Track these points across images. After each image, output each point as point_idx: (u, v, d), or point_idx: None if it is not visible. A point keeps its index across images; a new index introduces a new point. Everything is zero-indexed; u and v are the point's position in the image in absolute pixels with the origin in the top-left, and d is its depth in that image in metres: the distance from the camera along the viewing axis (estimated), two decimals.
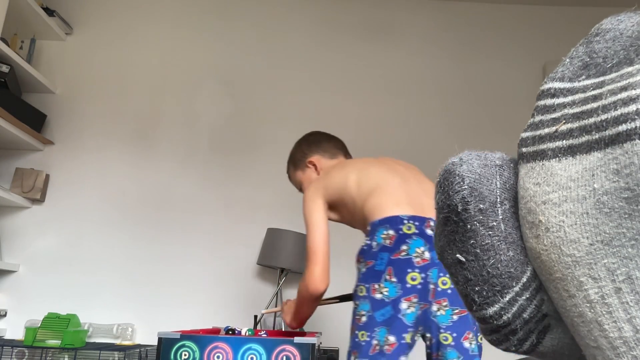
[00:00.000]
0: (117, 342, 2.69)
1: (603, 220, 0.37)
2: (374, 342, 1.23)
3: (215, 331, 2.05)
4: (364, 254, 1.33)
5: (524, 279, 0.43)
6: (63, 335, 2.34)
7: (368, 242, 1.33)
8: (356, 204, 1.43)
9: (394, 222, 1.30)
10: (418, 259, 1.27)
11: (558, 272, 0.40)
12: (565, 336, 0.47)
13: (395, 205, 1.34)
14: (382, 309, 1.23)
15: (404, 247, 1.27)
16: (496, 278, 0.43)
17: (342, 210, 1.52)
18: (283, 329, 2.55)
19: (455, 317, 1.27)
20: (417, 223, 1.30)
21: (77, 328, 2.46)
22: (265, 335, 1.95)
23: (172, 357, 1.60)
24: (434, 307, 1.29)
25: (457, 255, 0.43)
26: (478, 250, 0.43)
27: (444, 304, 1.28)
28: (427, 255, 1.28)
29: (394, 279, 1.24)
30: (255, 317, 2.62)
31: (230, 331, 1.93)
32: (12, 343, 2.38)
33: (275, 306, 2.67)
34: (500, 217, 0.44)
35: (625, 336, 0.37)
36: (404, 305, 1.23)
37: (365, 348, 1.24)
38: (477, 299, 0.44)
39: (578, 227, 0.38)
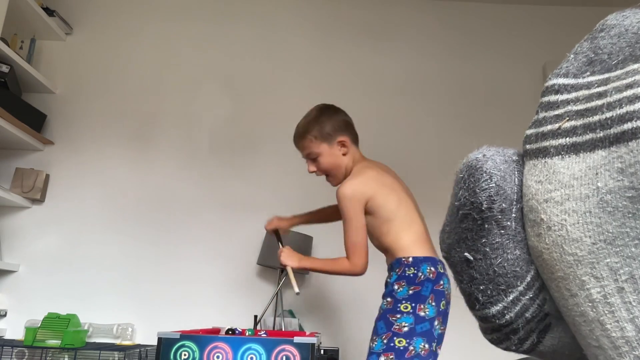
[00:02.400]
0: (117, 342, 2.68)
1: (606, 219, 0.36)
2: (411, 347, 1.55)
3: (215, 331, 2.05)
4: (408, 280, 1.64)
5: (528, 278, 0.43)
6: (63, 335, 2.33)
7: (414, 272, 1.65)
8: (390, 229, 1.71)
9: (433, 262, 1.68)
10: (447, 293, 1.68)
11: (560, 271, 0.39)
12: (565, 335, 0.47)
13: (429, 246, 1.73)
14: (422, 324, 1.58)
15: (442, 282, 1.65)
16: (502, 277, 0.42)
17: (368, 221, 1.74)
18: (283, 329, 2.55)
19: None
20: (443, 264, 1.70)
21: (77, 328, 2.46)
22: (265, 335, 1.95)
23: (172, 357, 1.60)
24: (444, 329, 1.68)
25: (465, 254, 0.43)
26: (487, 249, 0.42)
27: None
28: (450, 290, 1.72)
29: (433, 303, 1.61)
30: (255, 317, 2.61)
31: (230, 331, 1.92)
32: (12, 343, 2.38)
33: (275, 307, 2.66)
34: (514, 215, 0.43)
35: (628, 336, 0.37)
36: (435, 323, 1.60)
37: (402, 352, 1.55)
38: (480, 298, 0.43)
39: (580, 226, 0.37)
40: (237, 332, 1.91)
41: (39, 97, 3.09)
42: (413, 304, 1.59)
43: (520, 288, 0.43)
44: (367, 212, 1.72)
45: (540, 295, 0.45)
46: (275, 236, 2.04)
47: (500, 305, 0.44)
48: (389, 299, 1.65)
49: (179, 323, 2.63)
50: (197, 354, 1.59)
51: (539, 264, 0.44)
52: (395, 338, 1.57)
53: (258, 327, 2.60)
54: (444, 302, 1.64)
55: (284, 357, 1.60)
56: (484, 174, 0.43)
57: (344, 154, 1.85)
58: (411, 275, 1.64)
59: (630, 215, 0.36)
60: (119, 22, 3.28)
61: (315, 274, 2.70)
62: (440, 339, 1.64)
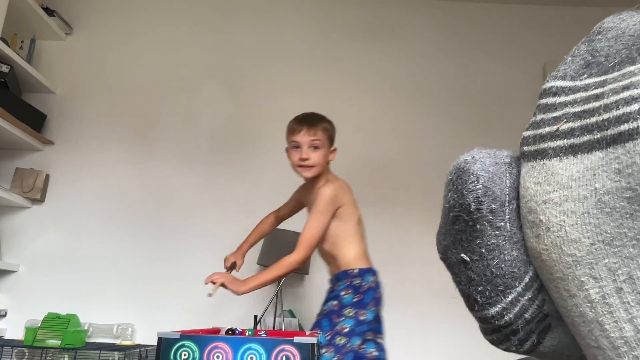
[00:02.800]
0: (117, 342, 2.68)
1: (604, 220, 0.36)
2: (348, 345, 1.80)
3: (215, 331, 2.05)
4: (354, 289, 1.88)
5: (527, 279, 0.43)
6: (63, 335, 2.34)
7: (359, 282, 1.89)
8: (346, 240, 1.93)
9: (373, 272, 1.93)
10: (382, 296, 1.94)
11: (559, 271, 0.40)
12: (565, 336, 0.47)
13: (369, 258, 1.98)
14: (361, 326, 1.83)
15: (379, 290, 1.92)
16: (499, 278, 0.42)
17: (333, 226, 1.93)
18: (283, 329, 2.55)
19: None
20: (378, 274, 1.97)
21: (77, 328, 2.46)
22: (265, 335, 1.95)
23: (171, 357, 1.60)
24: None
25: (462, 255, 0.43)
26: (483, 250, 0.42)
27: None
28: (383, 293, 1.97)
29: (373, 309, 1.87)
30: (255, 317, 2.62)
31: (230, 331, 1.92)
32: (12, 343, 2.38)
33: (275, 307, 2.66)
34: (507, 216, 0.43)
35: (627, 336, 0.37)
36: (373, 324, 1.87)
37: (341, 347, 1.80)
38: (479, 299, 0.43)
39: (579, 227, 0.38)
40: (237, 332, 1.91)
41: (39, 97, 3.09)
42: (355, 310, 1.86)
43: (519, 289, 0.43)
44: (336, 216, 1.92)
45: (539, 296, 0.45)
46: (230, 269, 2.15)
47: (499, 306, 0.44)
48: (335, 302, 1.89)
49: (179, 323, 2.63)
50: (197, 354, 1.60)
51: (537, 265, 0.44)
52: (336, 336, 1.82)
53: (258, 327, 2.61)
54: (380, 305, 1.93)
55: (284, 357, 1.60)
56: (471, 176, 0.43)
57: (329, 160, 2.01)
58: (356, 284, 1.89)
59: (628, 215, 0.36)
60: (119, 22, 3.28)
61: (316, 273, 2.69)
62: (379, 330, 1.92)
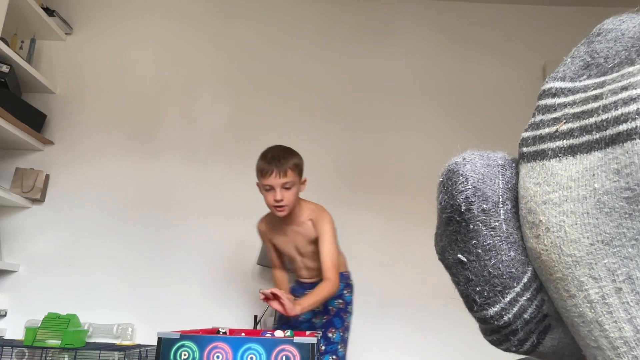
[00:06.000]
0: (117, 342, 2.68)
1: (603, 220, 0.37)
2: (349, 339, 2.09)
3: (215, 331, 2.05)
4: (351, 288, 2.19)
5: (525, 279, 0.43)
6: (63, 335, 2.34)
7: (352, 281, 2.20)
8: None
9: (350, 275, 2.25)
10: None
11: (558, 272, 0.40)
12: (565, 336, 0.47)
13: None
14: (351, 321, 2.14)
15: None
16: (497, 278, 0.43)
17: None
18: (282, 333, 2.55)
19: None
20: None
21: (77, 328, 2.46)
22: (270, 336, 1.95)
23: (171, 357, 1.60)
24: None
25: (459, 256, 0.43)
26: (480, 251, 0.43)
27: None
28: None
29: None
30: (255, 317, 2.62)
31: (218, 333, 1.92)
32: (12, 343, 2.38)
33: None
34: (503, 217, 0.43)
35: (626, 336, 0.37)
36: None
37: (346, 342, 2.07)
38: (478, 300, 0.43)
39: (578, 227, 0.38)
40: (221, 332, 1.91)
41: (39, 97, 3.09)
42: (352, 306, 2.16)
43: (517, 289, 0.43)
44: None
45: (538, 296, 0.45)
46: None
47: (497, 306, 0.44)
48: (340, 301, 2.11)
49: (179, 323, 2.63)
50: (197, 354, 1.60)
51: (537, 266, 0.44)
52: (346, 332, 2.08)
53: (261, 328, 2.61)
54: None
55: (284, 357, 1.60)
56: (461, 177, 0.43)
57: (300, 191, 2.06)
58: (351, 283, 2.20)
59: (626, 216, 0.36)
60: (119, 22, 3.28)
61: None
62: None
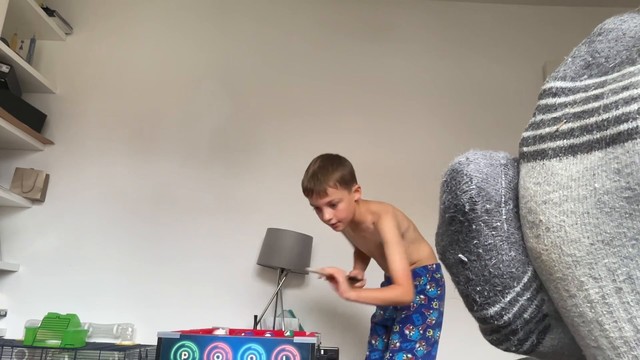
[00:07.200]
0: (117, 342, 2.68)
1: (604, 219, 0.36)
2: (434, 338, 1.94)
3: (212, 331, 2.05)
4: (436, 282, 2.01)
5: (525, 279, 0.43)
6: (63, 335, 2.33)
7: (439, 276, 2.03)
8: (413, 243, 2.02)
9: (440, 267, 2.05)
10: None
11: (558, 271, 0.40)
12: (565, 336, 0.47)
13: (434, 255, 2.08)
14: (440, 318, 1.98)
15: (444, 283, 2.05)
16: (497, 278, 0.42)
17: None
18: (283, 329, 2.55)
19: None
20: None
21: (77, 328, 2.46)
22: (270, 336, 1.95)
23: (171, 357, 1.60)
24: None
25: (460, 255, 0.43)
26: (481, 250, 0.42)
27: None
28: None
29: (443, 302, 2.03)
30: (255, 317, 2.62)
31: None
32: (12, 343, 2.38)
33: (275, 307, 2.67)
34: (504, 217, 0.43)
35: (626, 336, 0.37)
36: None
37: (430, 340, 1.93)
38: (478, 299, 0.43)
39: (579, 227, 0.38)
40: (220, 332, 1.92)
41: (39, 97, 3.09)
42: (439, 302, 1.99)
43: (517, 289, 0.43)
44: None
45: (538, 296, 0.45)
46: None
47: (497, 306, 0.44)
48: (422, 296, 1.97)
49: (179, 323, 2.63)
50: (197, 354, 1.60)
51: (537, 266, 0.44)
52: (428, 329, 1.94)
53: (261, 328, 2.61)
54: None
55: (284, 357, 1.60)
56: (465, 177, 0.43)
57: (356, 200, 1.94)
58: (437, 277, 2.02)
59: (627, 215, 0.36)
60: (119, 22, 3.28)
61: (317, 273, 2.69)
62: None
